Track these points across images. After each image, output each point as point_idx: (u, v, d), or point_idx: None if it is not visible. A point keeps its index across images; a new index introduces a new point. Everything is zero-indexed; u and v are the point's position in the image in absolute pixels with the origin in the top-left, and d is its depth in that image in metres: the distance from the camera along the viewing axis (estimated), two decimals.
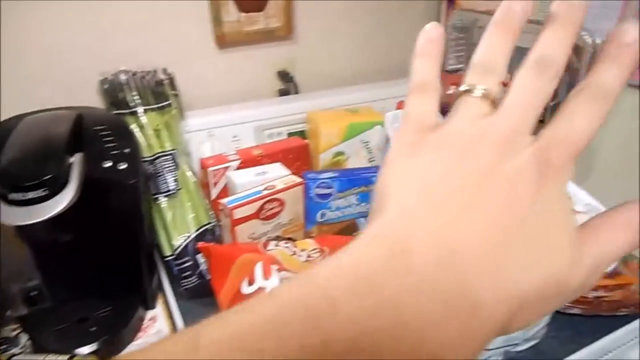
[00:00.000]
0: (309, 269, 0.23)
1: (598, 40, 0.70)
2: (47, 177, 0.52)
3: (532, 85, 0.26)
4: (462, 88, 0.27)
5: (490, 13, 0.94)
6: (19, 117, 0.64)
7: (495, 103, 0.27)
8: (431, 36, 0.31)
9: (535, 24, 0.83)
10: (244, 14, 0.87)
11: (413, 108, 0.29)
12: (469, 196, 0.23)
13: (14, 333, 0.66)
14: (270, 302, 0.21)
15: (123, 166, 0.63)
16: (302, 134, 0.90)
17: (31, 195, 0.52)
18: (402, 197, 0.24)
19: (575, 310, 0.65)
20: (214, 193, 0.75)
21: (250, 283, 0.56)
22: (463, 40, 0.96)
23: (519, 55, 0.86)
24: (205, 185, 0.76)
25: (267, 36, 0.91)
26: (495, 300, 0.21)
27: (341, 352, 0.19)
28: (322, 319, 0.20)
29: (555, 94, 0.87)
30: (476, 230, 0.22)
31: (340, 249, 0.23)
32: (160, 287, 0.75)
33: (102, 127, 0.65)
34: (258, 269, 0.57)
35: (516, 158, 0.24)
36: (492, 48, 0.29)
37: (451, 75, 0.80)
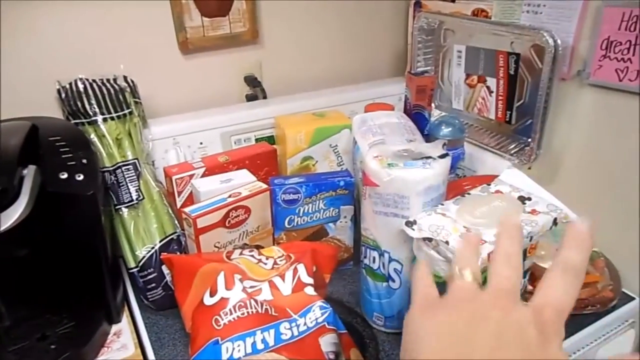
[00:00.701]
0: None
1: (559, 41, 0.71)
2: None
3: (509, 255, 0.36)
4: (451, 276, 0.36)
5: (455, 15, 0.95)
6: None
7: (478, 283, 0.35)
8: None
9: (495, 25, 0.81)
10: (207, 19, 0.85)
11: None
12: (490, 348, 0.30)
13: None
14: None
15: (80, 177, 0.61)
16: (270, 139, 0.89)
17: None
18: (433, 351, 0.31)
19: None
20: (179, 202, 0.74)
21: (213, 294, 0.55)
22: (430, 43, 0.96)
23: (475, 55, 0.85)
24: (170, 194, 0.75)
25: (232, 41, 0.89)
26: None
27: None
28: None
29: (521, 95, 0.86)
30: None
31: None
32: (125, 300, 0.73)
33: (58, 137, 0.63)
34: (220, 279, 0.55)
35: (515, 315, 0.31)
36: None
37: (417, 77, 0.80)
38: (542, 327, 0.31)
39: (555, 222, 0.52)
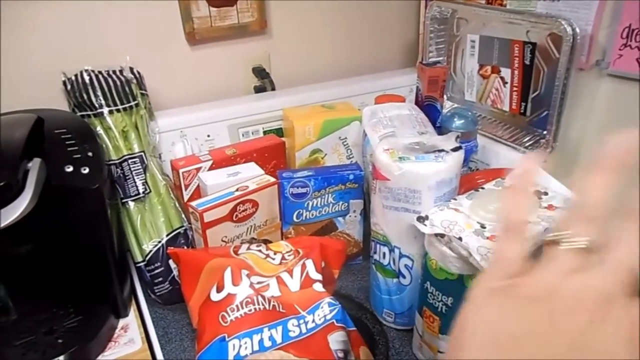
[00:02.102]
0: None
1: (578, 30, 0.68)
2: None
3: (633, 242, 0.24)
4: (558, 235, 0.26)
5: (469, 4, 0.92)
6: None
7: (593, 253, 0.25)
8: (527, 167, 0.30)
9: (510, 13, 0.78)
10: (214, 9, 0.84)
11: (504, 251, 0.28)
12: None
13: None
14: None
15: (86, 170, 0.60)
16: (278, 131, 0.87)
17: None
18: (481, 352, 0.24)
19: None
20: (186, 195, 0.73)
21: (219, 289, 0.54)
22: (442, 32, 0.94)
23: (489, 45, 0.82)
24: (177, 188, 0.74)
25: (240, 31, 0.88)
26: None
27: None
28: None
29: (536, 86, 0.84)
30: None
31: None
32: (133, 294, 0.73)
33: (63, 130, 0.62)
34: (227, 275, 0.54)
35: (609, 326, 0.23)
36: (594, 190, 0.27)
37: (429, 68, 0.78)
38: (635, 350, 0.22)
39: None
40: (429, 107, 0.79)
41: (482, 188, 0.56)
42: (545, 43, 0.74)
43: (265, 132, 0.87)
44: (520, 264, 0.27)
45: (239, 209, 0.66)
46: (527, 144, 0.80)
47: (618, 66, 0.69)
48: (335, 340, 0.50)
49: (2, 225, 0.49)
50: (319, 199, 0.71)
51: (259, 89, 0.94)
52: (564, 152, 0.77)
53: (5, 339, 0.61)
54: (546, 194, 0.53)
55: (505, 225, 0.29)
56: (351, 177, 0.71)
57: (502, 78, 0.84)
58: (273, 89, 0.93)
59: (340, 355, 0.50)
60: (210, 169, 0.73)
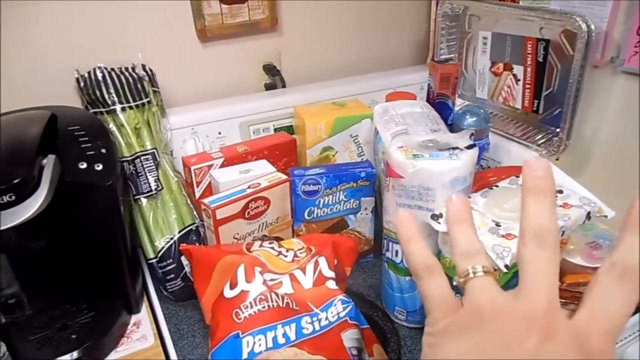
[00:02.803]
0: None
1: (593, 26, 0.68)
2: (14, 182, 0.50)
3: (544, 261, 0.28)
4: (462, 275, 0.30)
5: (481, 0, 0.91)
6: None
7: (494, 276, 0.29)
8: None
9: (523, 10, 0.78)
10: (225, 6, 0.84)
11: (432, 293, 0.31)
12: None
13: None
14: None
15: (99, 167, 0.60)
16: (289, 129, 0.87)
17: None
18: None
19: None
20: (198, 192, 0.73)
21: (233, 286, 0.54)
22: (454, 29, 0.93)
23: (501, 42, 0.81)
24: (189, 185, 0.74)
25: (251, 29, 0.88)
26: None
27: None
28: None
29: (549, 83, 0.83)
30: None
31: None
32: (145, 291, 0.73)
33: (77, 127, 0.63)
34: (240, 272, 0.55)
35: (556, 342, 0.25)
36: (464, 238, 0.31)
37: (441, 65, 0.77)
38: (587, 356, 0.25)
39: (588, 216, 0.50)
40: (440, 104, 0.79)
41: (496, 186, 0.55)
42: (559, 40, 0.74)
43: (275, 130, 0.87)
44: (452, 300, 0.30)
45: (251, 206, 0.66)
46: (539, 142, 0.80)
47: (633, 63, 0.68)
48: (349, 338, 0.50)
49: (19, 220, 0.49)
50: (331, 197, 0.71)
51: (269, 87, 0.94)
52: (577, 149, 0.77)
53: (20, 334, 0.62)
54: (561, 192, 0.52)
55: (422, 269, 0.32)
56: (363, 174, 0.71)
57: (514, 75, 0.83)
58: (284, 86, 0.93)
59: (354, 352, 0.50)
60: (222, 166, 0.73)
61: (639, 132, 0.71)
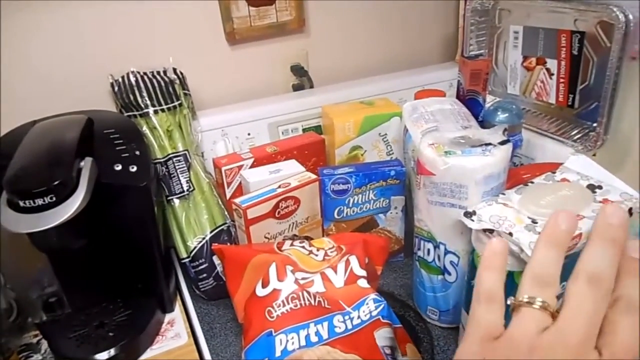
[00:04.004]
0: None
1: (631, 16, 0.65)
2: (55, 184, 0.52)
3: (590, 300, 0.28)
4: (522, 299, 0.30)
5: None
6: (32, 123, 0.64)
7: (553, 315, 0.29)
8: (495, 249, 0.34)
9: (556, 2, 0.75)
10: (253, 9, 0.85)
11: (481, 317, 0.32)
12: None
13: (35, 339, 0.67)
14: None
15: (134, 169, 0.62)
16: (318, 129, 0.87)
17: (40, 202, 0.51)
18: None
19: None
20: (229, 193, 0.74)
21: (265, 285, 0.54)
22: (483, 25, 0.92)
23: (534, 35, 0.79)
24: (220, 185, 0.75)
25: (278, 30, 0.88)
26: None
27: None
28: None
29: (585, 77, 0.80)
30: None
31: None
32: (178, 290, 0.74)
33: (112, 130, 0.64)
34: (272, 270, 0.55)
35: None
36: (546, 261, 0.31)
37: (471, 61, 0.76)
38: None
39: (630, 212, 0.48)
40: (471, 101, 0.77)
41: (532, 182, 0.54)
42: (594, 32, 0.71)
43: (304, 130, 0.87)
44: (498, 329, 0.31)
45: (281, 206, 0.66)
46: (575, 137, 0.77)
47: None
48: (382, 337, 0.50)
49: (60, 221, 0.51)
50: (360, 196, 0.71)
51: (297, 87, 0.94)
52: (615, 144, 0.74)
53: (61, 332, 0.64)
54: (600, 187, 0.51)
55: (482, 294, 0.32)
56: (392, 173, 0.70)
57: (547, 69, 0.81)
58: (311, 86, 0.93)
59: (388, 351, 0.49)
60: (252, 166, 0.74)
61: None
